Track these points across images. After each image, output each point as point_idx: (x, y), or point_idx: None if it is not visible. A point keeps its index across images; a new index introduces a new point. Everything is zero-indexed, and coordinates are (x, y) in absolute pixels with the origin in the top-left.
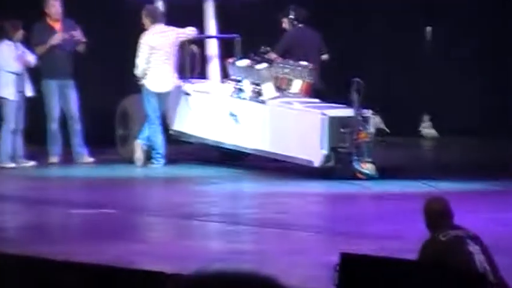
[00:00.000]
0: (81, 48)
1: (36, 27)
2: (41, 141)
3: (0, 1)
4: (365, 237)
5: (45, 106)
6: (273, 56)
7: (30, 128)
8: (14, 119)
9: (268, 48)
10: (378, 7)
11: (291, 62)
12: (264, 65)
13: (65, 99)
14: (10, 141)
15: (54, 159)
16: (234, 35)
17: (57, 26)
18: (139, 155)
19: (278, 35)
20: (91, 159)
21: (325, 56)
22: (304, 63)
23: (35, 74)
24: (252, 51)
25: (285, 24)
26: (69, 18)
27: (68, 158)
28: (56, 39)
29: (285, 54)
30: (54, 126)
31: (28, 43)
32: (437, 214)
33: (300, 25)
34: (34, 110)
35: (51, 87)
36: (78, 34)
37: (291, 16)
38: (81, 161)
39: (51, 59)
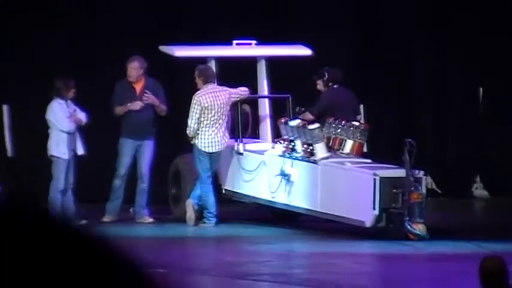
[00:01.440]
0: (160, 110)
1: (117, 86)
2: (95, 199)
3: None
4: None
5: (116, 162)
6: (307, 116)
7: (84, 186)
8: (64, 178)
9: (303, 109)
10: (428, 67)
11: (343, 122)
12: (316, 125)
13: (138, 157)
14: (59, 201)
15: (107, 217)
16: (286, 95)
17: (138, 86)
18: (190, 214)
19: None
20: (150, 220)
21: (359, 117)
22: (356, 123)
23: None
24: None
25: (320, 85)
26: (152, 77)
27: (123, 215)
28: (135, 106)
29: (321, 116)
30: (117, 182)
31: (79, 101)
32: (493, 273)
33: (335, 86)
34: (87, 168)
35: (127, 146)
36: (153, 99)
37: (325, 78)
38: (141, 221)
39: (130, 118)
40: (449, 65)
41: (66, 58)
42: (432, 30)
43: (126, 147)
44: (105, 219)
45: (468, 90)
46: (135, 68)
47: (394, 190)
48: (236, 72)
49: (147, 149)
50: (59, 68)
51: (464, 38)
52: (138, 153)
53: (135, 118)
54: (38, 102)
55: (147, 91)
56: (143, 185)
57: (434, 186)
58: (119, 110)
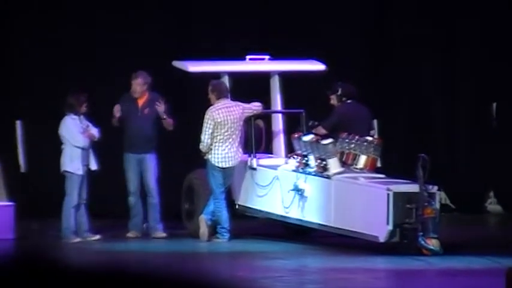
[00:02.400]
0: (167, 124)
1: (121, 100)
2: (109, 214)
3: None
4: None
5: (125, 180)
6: (320, 131)
7: (98, 202)
8: (77, 193)
9: (316, 123)
10: (441, 82)
11: (357, 137)
12: (330, 140)
13: (143, 172)
14: (73, 216)
15: (130, 233)
16: (300, 110)
17: (141, 100)
18: (203, 230)
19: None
20: (164, 234)
21: (373, 132)
22: (370, 138)
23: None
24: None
25: (333, 100)
26: (156, 91)
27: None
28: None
29: (333, 130)
30: (131, 200)
31: (92, 115)
32: None
33: (348, 101)
34: (100, 183)
35: (130, 161)
36: (161, 108)
37: (339, 93)
38: (154, 236)
39: (130, 133)
40: (462, 79)
41: (80, 73)
42: (445, 44)
43: (129, 162)
44: (130, 235)
45: (481, 105)
46: (139, 84)
47: (408, 205)
48: (249, 87)
49: (150, 162)
50: (72, 83)
51: (477, 53)
52: (141, 168)
53: (135, 132)
54: (51, 118)
55: (159, 101)
56: (152, 199)
57: (448, 202)
58: (114, 121)
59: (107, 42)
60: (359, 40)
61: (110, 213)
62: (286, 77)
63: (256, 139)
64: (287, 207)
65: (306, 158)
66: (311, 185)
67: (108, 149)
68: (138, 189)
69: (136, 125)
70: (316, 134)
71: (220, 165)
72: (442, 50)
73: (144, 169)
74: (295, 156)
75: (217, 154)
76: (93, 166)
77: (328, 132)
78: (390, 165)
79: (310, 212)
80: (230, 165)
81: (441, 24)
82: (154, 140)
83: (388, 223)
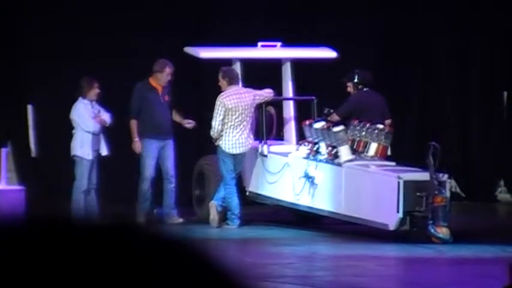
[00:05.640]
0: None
1: (137, 88)
2: (119, 199)
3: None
4: None
5: (140, 165)
6: (334, 118)
7: (110, 187)
8: (87, 178)
9: (331, 110)
10: (453, 70)
11: (368, 124)
12: (341, 127)
13: (162, 158)
14: (82, 201)
15: (140, 219)
16: (311, 97)
17: (160, 87)
18: (214, 216)
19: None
20: (180, 220)
21: (388, 121)
22: (381, 126)
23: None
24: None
25: (350, 88)
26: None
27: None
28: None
29: (347, 117)
30: (144, 186)
31: (105, 101)
32: None
33: (365, 89)
34: (112, 168)
35: (151, 147)
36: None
37: (355, 80)
38: (170, 222)
39: (153, 119)
40: (473, 68)
41: (92, 58)
42: (456, 33)
43: (150, 148)
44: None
45: (492, 94)
46: (169, 74)
47: (418, 193)
48: (261, 74)
49: (171, 148)
50: (84, 68)
51: (488, 41)
52: (163, 154)
53: (160, 119)
54: (63, 102)
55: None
56: (171, 185)
57: (458, 190)
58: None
59: (118, 30)
60: (371, 26)
61: (120, 199)
62: (298, 64)
63: (267, 126)
64: (297, 194)
65: (317, 145)
66: (322, 172)
67: (122, 134)
68: (152, 175)
69: (160, 112)
70: (329, 121)
71: (230, 152)
72: (453, 39)
73: (166, 155)
74: (306, 144)
75: (228, 140)
76: (104, 151)
77: (342, 119)
78: (401, 154)
79: (320, 199)
80: (241, 152)
81: (452, 13)
82: (173, 125)
83: (398, 211)
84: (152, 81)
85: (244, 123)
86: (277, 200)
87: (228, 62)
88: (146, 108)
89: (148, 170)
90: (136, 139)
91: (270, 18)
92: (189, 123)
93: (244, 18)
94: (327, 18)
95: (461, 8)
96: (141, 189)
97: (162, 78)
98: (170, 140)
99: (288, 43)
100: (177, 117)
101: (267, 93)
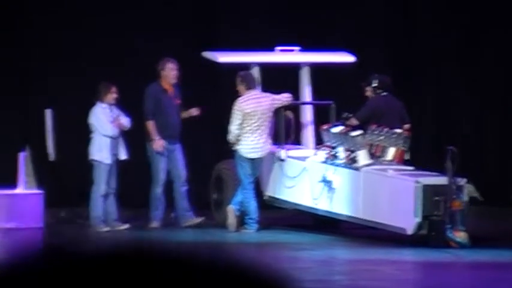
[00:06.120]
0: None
1: (149, 90)
2: (137, 204)
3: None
4: None
5: (151, 169)
6: (353, 122)
7: (128, 191)
8: (105, 182)
9: (350, 115)
10: (469, 73)
11: (386, 129)
12: (359, 131)
13: (172, 161)
14: (101, 205)
15: (155, 224)
16: (329, 102)
17: (170, 90)
18: (231, 220)
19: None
20: (199, 219)
21: (407, 126)
22: (399, 130)
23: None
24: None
25: (368, 92)
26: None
27: (167, 221)
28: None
29: (365, 122)
30: (158, 190)
31: (122, 106)
32: None
33: (383, 93)
34: (131, 173)
35: (162, 151)
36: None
37: (374, 85)
38: (189, 223)
39: (163, 123)
40: (490, 71)
41: (110, 63)
42: (471, 35)
43: (162, 152)
44: (154, 225)
45: (509, 97)
46: (174, 69)
47: (436, 198)
48: (279, 78)
49: (180, 152)
50: (103, 73)
51: (504, 44)
52: (173, 157)
53: (172, 122)
54: (81, 107)
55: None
56: (184, 188)
57: (476, 194)
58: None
59: (136, 35)
60: (388, 31)
61: (141, 203)
62: (316, 69)
63: (285, 130)
64: (315, 199)
65: (335, 150)
66: (340, 176)
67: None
68: (164, 179)
69: (172, 114)
70: (348, 126)
71: (248, 156)
72: (468, 42)
73: (176, 158)
74: (324, 148)
75: (246, 145)
76: (123, 156)
77: (360, 123)
78: (419, 158)
79: (338, 203)
80: (258, 156)
81: (466, 11)
82: (181, 128)
83: (416, 215)
84: (162, 82)
85: (262, 127)
86: (295, 204)
87: (247, 66)
88: (159, 110)
89: (162, 174)
90: (158, 137)
91: (288, 22)
92: (196, 111)
93: (262, 22)
94: (345, 22)
95: (476, 10)
96: (155, 194)
97: (168, 75)
98: (179, 144)
99: (306, 47)
100: (184, 114)
101: (285, 98)
